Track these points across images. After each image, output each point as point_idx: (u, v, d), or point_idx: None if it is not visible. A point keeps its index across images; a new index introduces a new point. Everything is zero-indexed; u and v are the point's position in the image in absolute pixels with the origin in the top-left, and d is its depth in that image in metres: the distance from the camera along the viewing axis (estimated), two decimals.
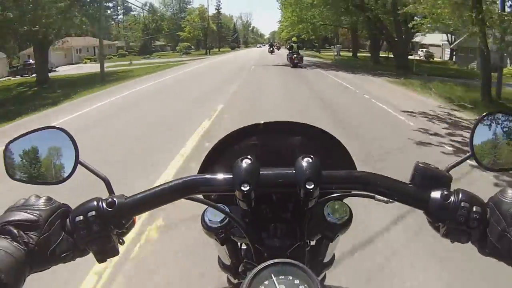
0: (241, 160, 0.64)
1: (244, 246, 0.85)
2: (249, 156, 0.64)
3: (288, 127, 0.84)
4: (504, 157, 0.69)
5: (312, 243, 0.82)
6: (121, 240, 0.65)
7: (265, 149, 0.82)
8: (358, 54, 37.75)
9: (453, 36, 31.93)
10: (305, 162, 0.63)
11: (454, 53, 33.71)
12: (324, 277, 0.90)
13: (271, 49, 43.25)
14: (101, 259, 0.62)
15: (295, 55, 21.22)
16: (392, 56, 25.89)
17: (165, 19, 71.57)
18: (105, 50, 35.95)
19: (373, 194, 0.68)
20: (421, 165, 0.64)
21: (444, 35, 32.87)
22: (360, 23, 26.38)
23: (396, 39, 22.46)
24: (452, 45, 32.86)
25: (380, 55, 29.37)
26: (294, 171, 0.63)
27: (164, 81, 17.70)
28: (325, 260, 0.85)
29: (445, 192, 0.61)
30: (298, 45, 22.60)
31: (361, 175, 0.66)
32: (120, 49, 59.37)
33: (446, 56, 37.19)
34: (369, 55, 30.55)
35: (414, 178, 0.64)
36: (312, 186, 0.61)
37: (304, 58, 23.68)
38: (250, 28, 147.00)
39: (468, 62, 27.51)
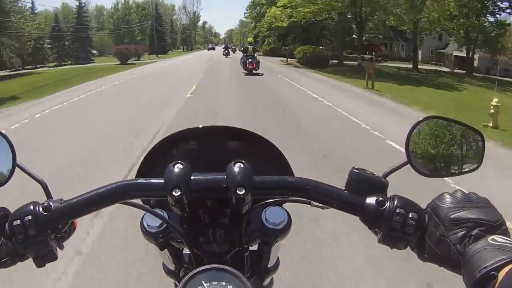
0: (173, 165, 0.68)
1: (187, 251, 0.90)
2: (180, 161, 0.69)
3: (225, 132, 0.90)
4: (440, 163, 0.76)
5: (254, 248, 0.88)
6: (60, 245, 0.69)
7: (200, 154, 0.88)
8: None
9: None
10: (236, 167, 0.68)
11: None
12: (271, 281, 0.96)
13: (226, 51, 43.06)
14: (39, 263, 0.65)
15: (249, 59, 20.74)
16: None
17: None
18: None
19: (309, 201, 0.73)
20: (356, 170, 0.69)
21: None
22: None
23: None
24: None
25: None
26: (225, 177, 0.68)
27: None
28: (270, 265, 0.91)
29: (380, 198, 0.66)
30: (254, 48, 22.02)
31: (295, 181, 0.71)
32: None
33: None
34: None
35: (349, 184, 0.69)
36: (243, 191, 0.66)
37: None
38: (199, 23, 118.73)
39: None
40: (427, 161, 0.77)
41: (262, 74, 20.80)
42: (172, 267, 0.92)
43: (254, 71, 20.63)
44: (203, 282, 0.63)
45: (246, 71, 20.82)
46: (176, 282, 0.94)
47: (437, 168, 0.77)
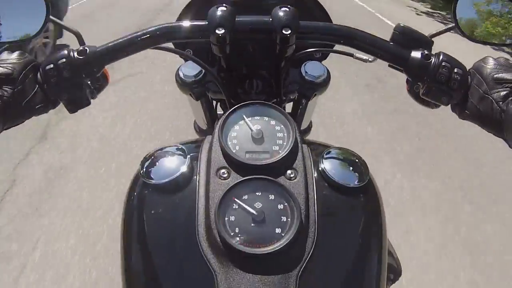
0: (217, 7, 0.67)
1: (220, 112, 0.90)
2: (224, 4, 0.67)
3: None
4: (486, 29, 0.75)
5: (289, 110, 0.87)
6: (94, 95, 0.69)
7: (243, 3, 0.85)
8: None
9: None
10: (282, 11, 0.67)
11: None
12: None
13: None
14: (72, 109, 0.66)
15: None
16: None
17: None
18: None
19: (352, 53, 0.73)
20: (402, 25, 0.68)
21: None
22: None
23: None
24: None
25: None
26: (271, 19, 0.67)
27: None
28: (303, 127, 0.91)
29: (426, 52, 0.66)
30: None
31: (340, 28, 0.70)
32: None
33: None
34: None
35: (395, 36, 0.68)
36: (289, 32, 0.65)
37: None
38: None
39: None
40: (472, 27, 0.76)
41: None
42: (204, 126, 0.92)
43: None
44: (244, 116, 0.63)
45: None
46: None
47: (482, 34, 0.76)
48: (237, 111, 0.63)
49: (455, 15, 0.73)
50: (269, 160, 0.58)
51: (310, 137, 1.01)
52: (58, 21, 0.69)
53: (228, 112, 0.63)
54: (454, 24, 0.73)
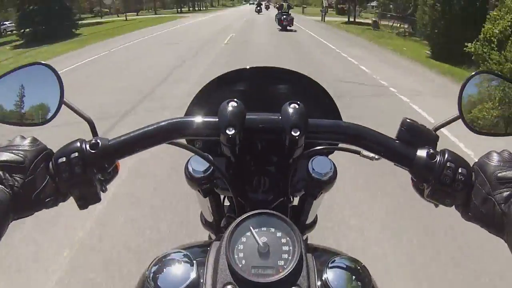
0: (227, 103, 0.67)
1: (227, 203, 0.91)
2: (235, 99, 0.67)
3: (276, 73, 0.89)
4: (493, 121, 0.74)
5: (295, 203, 0.88)
6: (104, 188, 0.68)
7: (252, 94, 0.86)
8: None
9: None
10: (291, 108, 0.67)
11: None
12: (306, 239, 0.98)
13: (258, 8, 43.04)
14: (82, 205, 0.65)
15: (284, 16, 21.03)
16: None
17: None
18: None
19: (359, 150, 0.72)
20: (409, 120, 0.68)
21: None
22: None
23: None
24: None
25: None
26: (280, 117, 0.67)
27: None
28: (308, 222, 0.92)
29: (431, 151, 0.65)
30: (288, 5, 22.35)
31: (348, 126, 0.69)
32: None
33: None
34: None
35: (401, 133, 0.67)
36: (298, 133, 0.64)
37: None
38: None
39: None
40: (478, 118, 0.74)
41: (295, 31, 20.55)
42: (210, 218, 0.93)
43: (288, 27, 20.85)
44: (251, 228, 0.63)
45: (280, 27, 21.00)
46: (212, 234, 0.97)
47: (488, 126, 0.75)
48: (244, 222, 0.64)
49: (460, 104, 0.71)
50: (274, 277, 0.59)
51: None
52: (72, 105, 0.70)
53: (235, 223, 0.63)
54: (458, 114, 0.71)
